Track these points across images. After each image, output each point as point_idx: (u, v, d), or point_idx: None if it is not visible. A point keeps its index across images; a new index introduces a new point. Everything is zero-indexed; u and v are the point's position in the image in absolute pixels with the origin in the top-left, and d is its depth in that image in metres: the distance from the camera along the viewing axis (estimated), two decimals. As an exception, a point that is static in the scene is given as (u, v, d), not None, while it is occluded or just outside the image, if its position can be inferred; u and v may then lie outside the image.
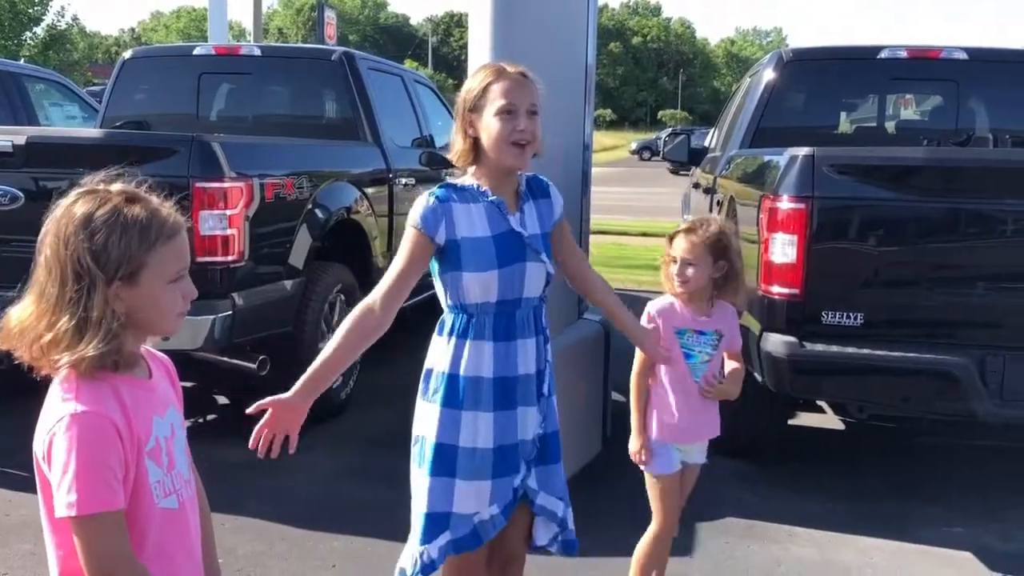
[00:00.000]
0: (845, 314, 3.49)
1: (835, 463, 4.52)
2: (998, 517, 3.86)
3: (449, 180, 2.18)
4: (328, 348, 2.11)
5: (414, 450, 2.23)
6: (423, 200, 2.13)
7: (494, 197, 2.16)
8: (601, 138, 56.22)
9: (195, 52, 6.17)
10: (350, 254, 5.22)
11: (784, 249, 3.51)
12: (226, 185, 3.97)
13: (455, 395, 2.15)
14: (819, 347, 3.49)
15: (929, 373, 3.41)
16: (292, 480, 4.06)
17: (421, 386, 2.23)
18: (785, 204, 3.51)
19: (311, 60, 6.24)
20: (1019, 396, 3.41)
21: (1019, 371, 3.41)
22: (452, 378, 2.16)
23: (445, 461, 2.15)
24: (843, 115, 5.60)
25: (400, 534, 3.52)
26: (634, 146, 49.54)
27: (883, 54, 5.14)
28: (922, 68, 5.20)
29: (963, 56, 5.10)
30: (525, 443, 2.21)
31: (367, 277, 5.41)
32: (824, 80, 5.30)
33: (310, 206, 4.65)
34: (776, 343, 3.54)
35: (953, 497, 4.08)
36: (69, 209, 1.43)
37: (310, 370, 2.08)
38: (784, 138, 4.82)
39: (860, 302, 3.49)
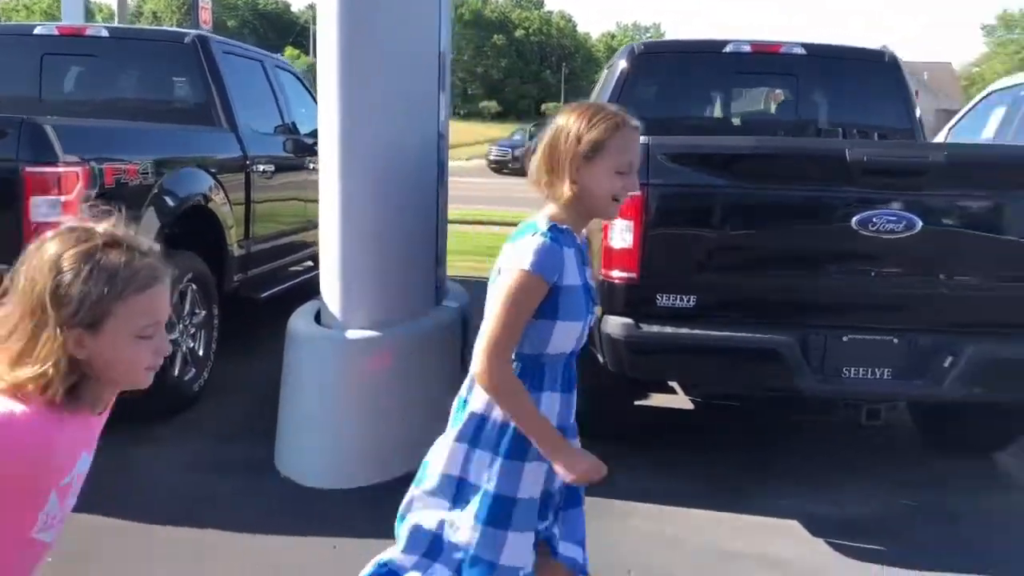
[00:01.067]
0: (679, 297, 3.63)
1: (685, 441, 4.70)
2: (833, 486, 4.10)
3: (553, 221, 2.05)
4: (534, 413, 2.02)
5: (482, 509, 2.07)
6: (539, 243, 1.97)
7: (582, 244, 2.10)
8: (486, 130, 56.36)
9: (36, 32, 5.89)
10: (203, 242, 5.10)
11: (622, 235, 3.62)
12: (60, 170, 3.81)
13: (522, 448, 2.04)
14: (654, 328, 3.62)
15: (756, 351, 3.58)
16: (144, 473, 3.95)
17: (462, 429, 2.09)
18: (623, 191, 3.61)
19: (162, 43, 6.04)
20: (839, 372, 3.63)
21: (839, 348, 3.62)
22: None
23: (500, 514, 2.05)
24: (691, 106, 5.79)
25: (252, 524, 3.50)
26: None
27: (728, 48, 5.35)
28: (765, 62, 5.44)
29: (801, 51, 5.37)
30: (554, 490, 2.17)
31: (222, 266, 5.31)
32: (673, 72, 5.47)
33: (156, 192, 4.51)
34: (614, 325, 3.66)
35: (791, 470, 4.30)
36: (44, 245, 1.42)
37: (553, 432, 2.02)
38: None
39: (693, 285, 3.64)
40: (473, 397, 2.10)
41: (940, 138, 7.18)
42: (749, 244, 3.67)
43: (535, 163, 2.12)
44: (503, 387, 1.99)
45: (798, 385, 3.60)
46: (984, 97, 6.94)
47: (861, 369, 3.63)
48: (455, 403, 2.16)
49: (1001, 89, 6.81)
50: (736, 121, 5.72)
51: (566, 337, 2.05)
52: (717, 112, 5.80)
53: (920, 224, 3.51)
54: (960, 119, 7.12)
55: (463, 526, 2.08)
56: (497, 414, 2.06)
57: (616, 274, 3.68)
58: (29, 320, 1.38)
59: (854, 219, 3.52)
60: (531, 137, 7.09)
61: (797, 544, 3.57)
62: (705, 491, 3.98)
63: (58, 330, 1.37)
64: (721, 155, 3.70)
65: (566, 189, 2.04)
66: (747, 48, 5.34)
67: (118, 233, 1.44)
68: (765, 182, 3.65)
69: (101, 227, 1.44)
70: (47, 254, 1.40)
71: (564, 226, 2.05)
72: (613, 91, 5.37)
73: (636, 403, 4.75)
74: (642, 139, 3.60)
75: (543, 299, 1.99)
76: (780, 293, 3.68)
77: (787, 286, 3.68)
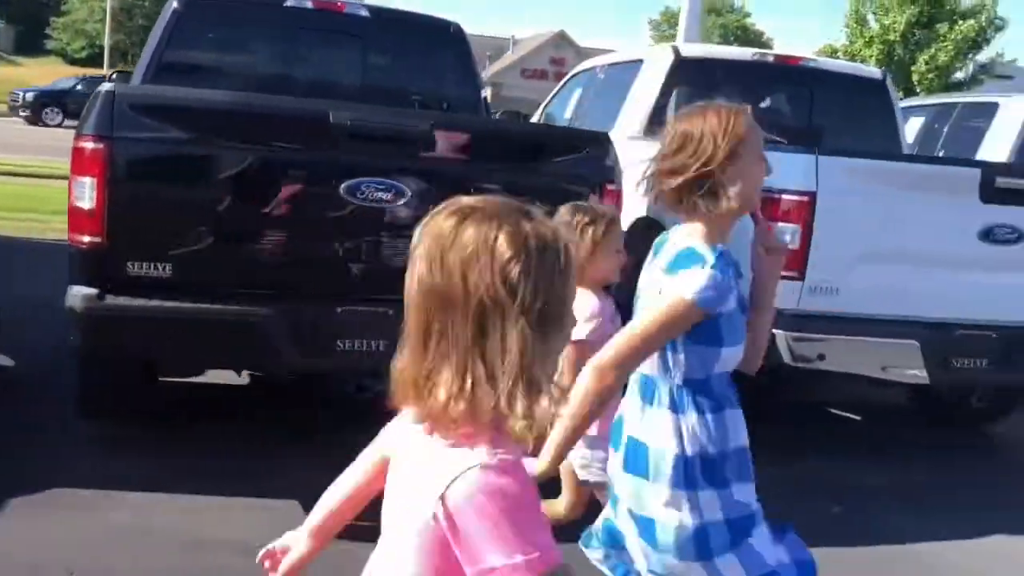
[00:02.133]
0: (153, 265, 3.29)
1: (235, 421, 4.39)
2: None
3: (713, 245, 1.93)
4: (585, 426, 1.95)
5: (688, 542, 1.93)
6: (710, 278, 1.86)
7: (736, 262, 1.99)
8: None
9: None
10: None
11: (86, 193, 3.22)
12: None
13: (722, 473, 1.96)
14: (121, 300, 3.25)
15: (233, 325, 3.33)
16: None
17: (670, 474, 1.93)
18: (87, 144, 3.21)
19: None
20: (332, 346, 3.47)
21: (332, 321, 3.46)
22: (722, 456, 1.96)
23: (741, 531, 1.96)
24: (243, 60, 5.41)
25: None
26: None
27: (289, 2, 5.07)
28: (328, 20, 5.21)
29: (366, 14, 5.21)
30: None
31: None
32: (229, 22, 5.12)
33: None
34: (76, 296, 3.25)
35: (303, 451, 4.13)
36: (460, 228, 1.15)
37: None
38: (186, 78, 4.56)
39: (169, 252, 3.31)
40: (661, 439, 1.96)
41: (535, 119, 7.40)
42: (232, 209, 3.39)
43: (672, 187, 1.96)
44: (600, 395, 1.88)
45: (285, 360, 3.40)
46: (568, 80, 7.26)
47: (357, 342, 3.49)
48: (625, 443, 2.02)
49: (579, 72, 7.16)
50: (291, 79, 5.42)
51: (732, 360, 2.01)
52: (270, 68, 5.45)
53: (409, 193, 3.44)
54: (550, 100, 7.39)
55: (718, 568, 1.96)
56: (695, 446, 1.94)
57: (80, 238, 3.27)
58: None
59: (342, 186, 3.37)
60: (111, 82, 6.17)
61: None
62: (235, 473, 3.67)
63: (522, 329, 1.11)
64: (196, 109, 3.38)
65: (728, 189, 1.93)
66: (309, 4, 5.10)
67: (522, 204, 1.20)
68: (246, 141, 3.39)
69: (492, 199, 1.19)
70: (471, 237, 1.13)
71: (722, 247, 1.95)
72: (162, 36, 4.91)
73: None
74: (106, 87, 3.26)
75: (702, 326, 1.91)
76: (267, 263, 3.44)
77: (275, 255, 3.45)
